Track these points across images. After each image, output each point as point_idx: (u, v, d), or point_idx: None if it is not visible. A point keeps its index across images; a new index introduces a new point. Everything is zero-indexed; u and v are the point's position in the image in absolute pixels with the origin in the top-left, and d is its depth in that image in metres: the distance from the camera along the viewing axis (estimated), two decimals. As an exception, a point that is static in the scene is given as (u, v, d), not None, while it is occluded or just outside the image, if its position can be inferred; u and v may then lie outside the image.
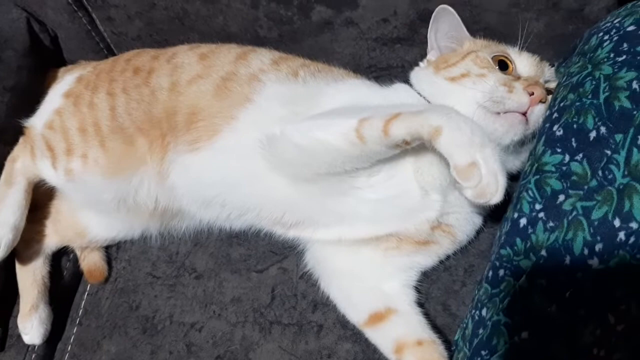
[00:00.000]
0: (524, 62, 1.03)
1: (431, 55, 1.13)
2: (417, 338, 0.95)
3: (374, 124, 0.86)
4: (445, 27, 1.10)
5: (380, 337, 1.00)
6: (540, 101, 0.94)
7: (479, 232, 1.08)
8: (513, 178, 1.03)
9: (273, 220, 1.06)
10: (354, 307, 1.04)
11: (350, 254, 1.04)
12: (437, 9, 1.08)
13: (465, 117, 0.85)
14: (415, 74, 1.11)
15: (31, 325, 1.17)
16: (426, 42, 1.13)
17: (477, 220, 1.05)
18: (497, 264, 0.87)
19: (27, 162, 1.19)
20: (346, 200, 0.98)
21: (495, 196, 0.80)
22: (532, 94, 0.93)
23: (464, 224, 1.03)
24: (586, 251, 0.73)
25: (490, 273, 0.88)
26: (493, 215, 1.06)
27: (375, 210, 0.99)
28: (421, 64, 1.13)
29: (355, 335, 1.04)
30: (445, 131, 0.81)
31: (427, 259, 1.04)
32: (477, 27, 1.15)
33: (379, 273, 1.03)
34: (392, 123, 0.84)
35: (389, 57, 1.28)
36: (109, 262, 1.28)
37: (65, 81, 1.24)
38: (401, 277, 1.03)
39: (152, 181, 1.11)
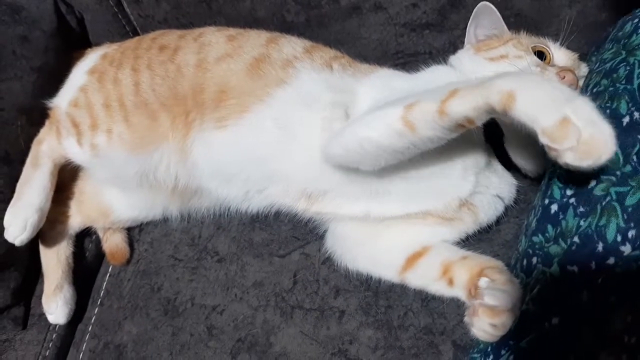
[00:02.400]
0: (562, 56, 1.02)
1: (467, 49, 1.11)
2: (461, 255, 0.96)
3: (424, 107, 0.81)
4: (485, 23, 1.10)
5: (423, 269, 0.98)
6: (571, 86, 0.93)
7: (499, 221, 1.06)
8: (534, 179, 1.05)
9: (299, 194, 1.05)
10: (388, 262, 1.03)
11: (374, 226, 1.04)
12: (478, 5, 1.08)
13: (541, 76, 0.81)
14: (456, 56, 1.10)
15: (56, 305, 1.19)
16: (455, 28, 1.13)
17: (499, 206, 1.04)
18: (530, 251, 0.85)
19: (53, 143, 1.20)
20: (384, 175, 0.97)
21: (606, 149, 0.67)
22: (564, 77, 0.92)
23: (487, 206, 1.02)
24: (619, 237, 0.72)
25: (524, 261, 0.86)
26: (515, 205, 1.06)
27: (412, 187, 0.99)
28: (462, 49, 1.12)
29: (377, 322, 1.03)
30: (519, 94, 0.71)
31: (450, 231, 1.03)
32: (508, 12, 1.14)
33: (406, 233, 1.02)
34: (449, 101, 0.78)
35: (417, 43, 1.27)
36: (131, 244, 1.29)
37: (90, 58, 1.25)
38: (428, 232, 1.02)
39: (172, 157, 1.12)
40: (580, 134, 0.66)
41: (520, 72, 0.83)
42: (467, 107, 0.76)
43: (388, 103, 0.89)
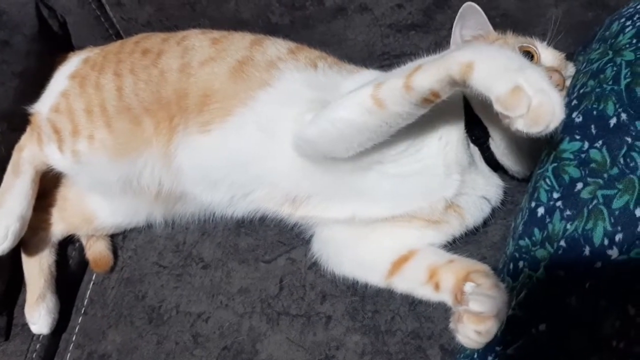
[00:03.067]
0: (549, 57, 1.02)
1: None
2: (447, 259, 0.95)
3: (391, 84, 0.82)
4: (470, 24, 1.09)
5: (409, 274, 0.98)
6: (557, 86, 0.92)
7: (486, 222, 1.06)
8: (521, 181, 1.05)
9: (284, 198, 1.05)
10: (374, 266, 1.02)
11: (360, 230, 1.04)
12: (463, 6, 1.07)
13: (498, 47, 0.81)
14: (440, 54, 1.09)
15: (39, 315, 1.17)
16: (441, 29, 1.12)
17: (486, 208, 1.04)
18: (517, 255, 0.84)
19: (34, 150, 1.19)
20: (367, 175, 0.97)
21: (554, 117, 0.69)
22: (551, 77, 0.91)
23: (473, 208, 1.02)
24: (606, 241, 0.71)
25: (511, 265, 0.85)
26: (502, 207, 1.06)
27: (395, 187, 0.98)
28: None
29: (364, 327, 1.02)
30: (477, 64, 0.74)
31: (437, 234, 1.02)
32: (494, 13, 1.13)
33: (393, 237, 1.02)
34: (414, 76, 0.79)
35: (403, 44, 1.26)
36: (115, 251, 1.28)
37: (72, 63, 1.24)
38: (415, 235, 1.01)
39: (156, 163, 1.11)
40: (531, 101, 0.69)
41: (479, 44, 0.85)
42: (431, 79, 0.78)
43: (359, 87, 0.90)
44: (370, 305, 1.04)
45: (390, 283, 1.00)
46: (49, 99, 1.18)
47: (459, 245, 1.03)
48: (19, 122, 1.21)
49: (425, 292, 0.96)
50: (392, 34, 1.25)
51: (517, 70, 0.72)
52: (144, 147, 1.09)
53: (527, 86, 0.70)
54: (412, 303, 1.01)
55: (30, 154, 1.19)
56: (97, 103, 1.11)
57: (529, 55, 1.00)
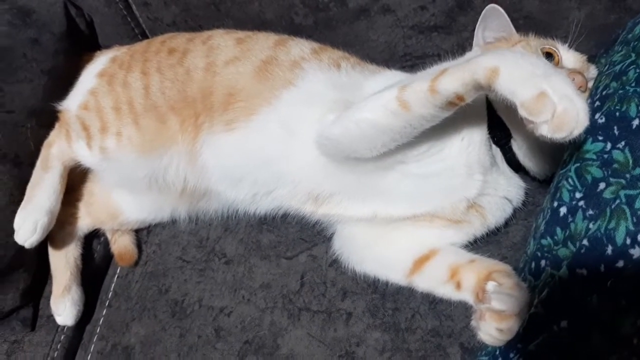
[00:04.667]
0: (570, 59, 1.02)
1: (475, 51, 1.12)
2: (469, 258, 0.95)
3: (416, 87, 0.83)
4: (493, 26, 1.09)
5: (430, 273, 0.98)
6: (580, 88, 0.93)
7: (507, 223, 1.06)
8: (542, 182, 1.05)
9: (306, 196, 1.06)
10: (395, 265, 1.03)
11: (381, 228, 1.04)
12: (486, 8, 1.08)
13: (524, 53, 0.82)
14: (463, 57, 1.09)
15: (64, 307, 1.19)
16: (464, 30, 1.13)
17: (508, 208, 1.04)
18: (539, 254, 0.85)
19: (63, 146, 1.21)
20: (389, 174, 0.98)
21: (579, 123, 0.70)
22: (573, 79, 0.92)
23: (495, 208, 1.02)
24: (628, 241, 0.71)
25: (533, 264, 0.85)
26: (523, 207, 1.06)
27: (417, 187, 0.99)
28: (470, 51, 1.13)
29: (384, 324, 1.03)
30: (502, 70, 0.75)
31: (458, 234, 1.02)
32: (517, 15, 1.14)
33: (414, 236, 1.03)
34: (439, 79, 0.81)
35: (425, 45, 1.26)
36: (139, 245, 1.30)
37: (99, 61, 1.26)
38: (436, 234, 1.02)
39: (181, 160, 1.13)
40: (556, 107, 0.70)
41: (505, 50, 0.87)
42: (456, 83, 0.79)
43: (384, 88, 0.91)
44: (390, 302, 1.05)
45: (411, 281, 1.01)
46: (78, 96, 1.21)
47: (479, 245, 1.04)
48: (47, 119, 1.24)
49: (446, 291, 0.96)
50: (415, 35, 1.25)
51: (542, 76, 0.73)
52: (170, 144, 1.11)
53: (552, 92, 0.71)
54: (432, 301, 1.02)
55: (59, 150, 1.21)
56: (125, 101, 1.13)
57: (551, 57, 1.01)
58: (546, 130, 0.72)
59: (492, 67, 0.76)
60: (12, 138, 1.18)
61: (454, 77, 0.80)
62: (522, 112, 0.73)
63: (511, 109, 0.76)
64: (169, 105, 1.11)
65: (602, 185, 0.78)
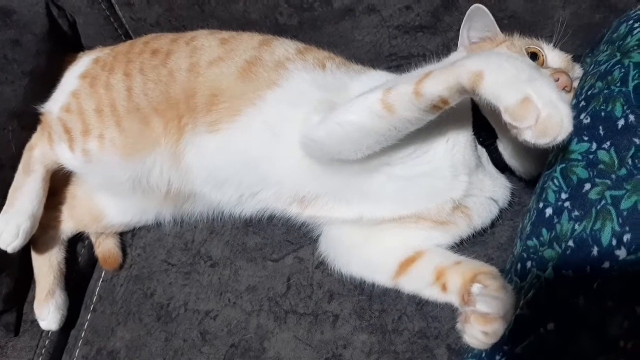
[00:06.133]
0: (555, 58, 1.02)
1: (461, 52, 1.12)
2: (455, 260, 0.95)
3: (401, 90, 0.83)
4: (478, 26, 1.09)
5: (417, 275, 0.98)
6: (565, 89, 0.93)
7: (494, 224, 1.06)
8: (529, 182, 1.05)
9: (292, 198, 1.06)
10: (382, 267, 1.02)
11: (368, 230, 1.04)
12: (471, 8, 1.08)
13: (509, 55, 0.82)
14: (449, 59, 1.10)
15: (48, 312, 1.18)
16: (449, 31, 1.13)
17: (494, 209, 1.04)
18: (525, 255, 0.85)
19: (45, 149, 1.20)
20: (374, 177, 0.98)
21: (563, 129, 0.71)
22: (558, 80, 0.92)
23: (481, 209, 1.02)
24: (614, 242, 0.71)
25: (519, 265, 0.85)
26: (509, 208, 1.06)
27: (403, 189, 0.99)
28: (455, 51, 1.13)
29: (371, 327, 1.02)
30: (487, 74, 0.75)
31: (445, 236, 1.02)
32: (502, 15, 1.14)
33: (400, 238, 1.02)
34: (424, 83, 0.80)
35: (411, 45, 1.26)
36: (124, 249, 1.29)
37: (82, 63, 1.25)
38: (422, 236, 1.02)
39: (165, 163, 1.12)
40: (540, 113, 0.71)
41: (490, 53, 0.87)
42: (440, 87, 0.79)
43: (369, 91, 0.90)
44: (377, 304, 1.04)
45: (398, 284, 1.01)
46: (60, 98, 1.19)
47: (466, 246, 1.04)
48: (29, 121, 1.22)
49: (432, 293, 0.96)
50: (400, 36, 1.25)
51: (527, 81, 0.73)
52: (154, 146, 1.10)
53: (537, 98, 0.71)
54: (420, 303, 1.02)
55: (41, 153, 1.20)
56: (108, 103, 1.12)
57: (536, 57, 1.01)
58: (530, 136, 0.72)
59: (476, 71, 0.76)
60: (-6, 141, 1.17)
61: (438, 81, 0.80)
62: (506, 118, 0.73)
63: (496, 110, 0.76)
64: (152, 107, 1.09)
65: (587, 186, 0.78)
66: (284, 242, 1.17)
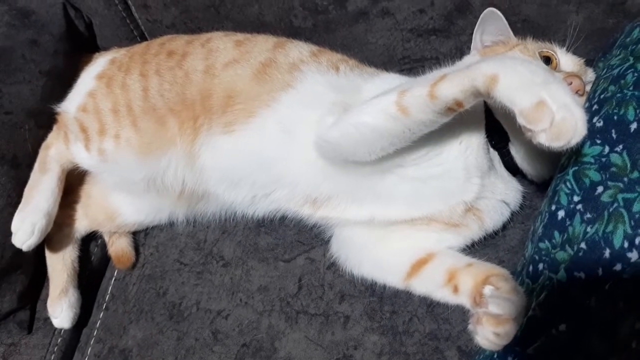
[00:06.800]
0: (568, 62, 1.02)
1: (474, 55, 1.12)
2: (466, 262, 0.95)
3: (415, 92, 0.84)
4: (491, 29, 1.10)
5: (428, 276, 0.99)
6: (577, 92, 0.93)
7: (505, 226, 1.07)
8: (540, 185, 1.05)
9: (304, 198, 1.06)
10: (393, 268, 1.03)
11: (379, 231, 1.04)
12: (485, 12, 1.09)
13: (523, 59, 0.83)
14: (462, 62, 1.10)
15: (61, 309, 1.19)
16: (462, 34, 1.13)
17: (505, 212, 1.05)
18: (537, 257, 0.85)
19: (61, 148, 1.21)
20: (387, 178, 0.99)
21: (577, 132, 0.71)
22: (571, 83, 0.93)
23: (493, 212, 1.03)
24: (626, 244, 0.72)
25: (530, 267, 0.85)
26: (520, 211, 1.06)
27: (415, 190, 0.99)
28: (468, 55, 1.13)
29: (382, 328, 1.03)
30: (501, 77, 0.75)
31: (456, 237, 1.03)
32: (515, 18, 1.14)
33: (411, 239, 1.03)
34: (438, 85, 0.81)
35: (424, 48, 1.26)
36: (137, 248, 1.29)
37: (98, 63, 1.26)
38: (434, 237, 1.02)
39: (180, 162, 1.12)
40: (554, 116, 0.71)
41: (504, 56, 0.88)
42: (455, 90, 0.80)
43: (383, 92, 0.91)
44: (388, 306, 1.05)
45: (409, 285, 1.01)
46: (76, 98, 1.21)
47: (477, 248, 1.04)
48: (45, 120, 1.24)
49: (443, 295, 0.96)
50: (413, 39, 1.25)
51: (541, 85, 0.73)
52: (169, 146, 1.11)
53: (551, 101, 0.71)
54: (430, 305, 1.02)
55: (57, 152, 1.21)
56: (124, 103, 1.13)
57: (549, 60, 1.01)
58: (544, 139, 0.72)
59: (491, 74, 0.76)
60: (11, 139, 1.18)
61: (453, 83, 0.80)
62: (521, 120, 0.74)
63: (509, 113, 0.76)
64: (167, 107, 1.11)
65: (600, 189, 0.79)
66: (296, 242, 1.18)
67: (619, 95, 0.85)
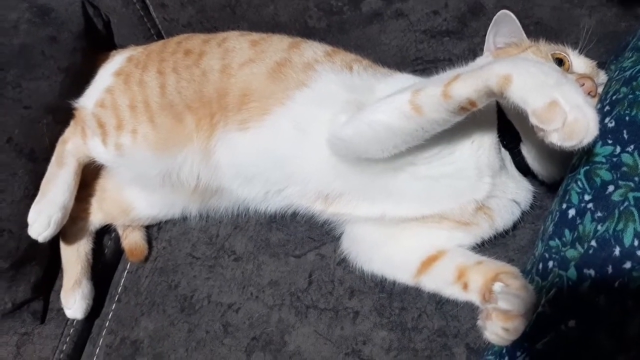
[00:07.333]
0: (581, 64, 1.03)
1: (486, 56, 1.13)
2: (476, 260, 0.96)
3: (429, 91, 0.85)
4: (504, 31, 1.10)
5: (438, 273, 1.00)
6: (590, 93, 0.94)
7: (515, 226, 1.07)
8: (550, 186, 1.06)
9: (316, 195, 1.07)
10: (403, 265, 1.04)
11: (390, 229, 1.05)
12: (498, 13, 1.09)
13: (536, 61, 0.84)
14: (475, 63, 1.10)
15: (74, 300, 1.21)
16: (475, 36, 1.14)
17: (516, 211, 1.05)
18: (547, 255, 0.85)
19: (78, 143, 1.23)
20: (399, 175, 1.00)
21: (589, 132, 0.72)
22: (583, 85, 0.93)
23: (503, 211, 1.03)
24: (636, 242, 0.72)
25: (540, 265, 0.86)
26: (530, 211, 1.07)
27: (427, 188, 1.00)
28: (481, 56, 1.14)
29: (391, 323, 1.04)
30: (515, 78, 0.76)
31: (467, 236, 1.04)
32: (528, 21, 1.15)
33: (422, 237, 1.04)
34: (452, 85, 0.82)
35: (437, 50, 1.28)
36: (150, 242, 1.31)
37: (116, 61, 1.28)
38: (444, 235, 1.03)
39: (195, 158, 1.14)
40: (566, 117, 0.72)
41: (517, 58, 0.89)
42: (469, 89, 0.81)
43: (397, 91, 0.92)
44: (397, 302, 1.06)
45: (419, 282, 1.02)
46: (94, 94, 1.23)
47: (486, 247, 1.05)
48: (63, 116, 1.26)
49: (453, 292, 0.97)
50: (426, 40, 1.27)
51: (554, 85, 0.74)
52: (185, 142, 1.13)
53: (564, 101, 0.72)
54: (439, 302, 1.03)
55: (74, 146, 1.23)
56: (141, 99, 1.15)
57: (562, 62, 1.02)
58: (556, 139, 0.73)
59: (504, 74, 0.77)
60: (29, 133, 1.20)
61: (467, 83, 0.81)
62: (533, 120, 0.75)
63: (521, 113, 0.77)
64: (185, 104, 1.12)
65: (611, 188, 0.79)
66: (307, 238, 1.19)
67: (630, 96, 0.85)
